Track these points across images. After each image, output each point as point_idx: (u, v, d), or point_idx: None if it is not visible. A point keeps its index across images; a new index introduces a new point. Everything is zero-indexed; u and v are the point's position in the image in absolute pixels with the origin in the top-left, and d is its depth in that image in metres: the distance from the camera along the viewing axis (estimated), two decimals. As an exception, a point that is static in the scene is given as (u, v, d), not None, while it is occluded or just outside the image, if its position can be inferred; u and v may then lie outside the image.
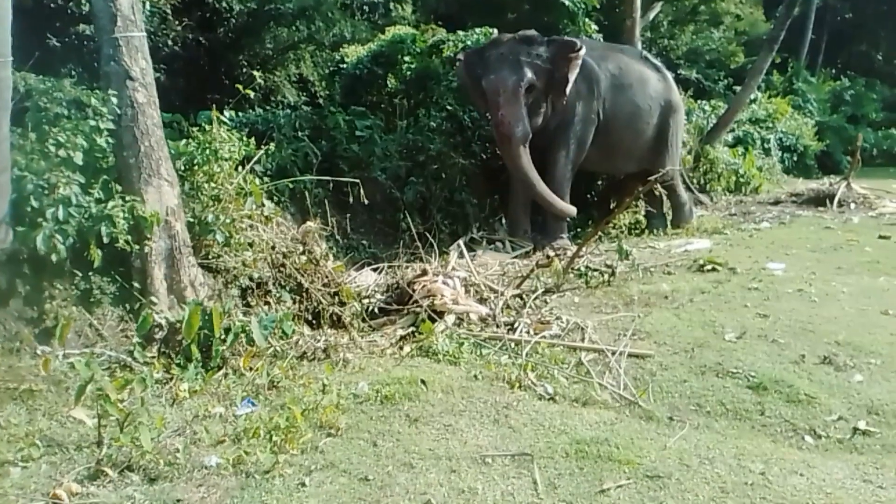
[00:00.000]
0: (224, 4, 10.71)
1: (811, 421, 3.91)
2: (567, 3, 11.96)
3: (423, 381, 4.18)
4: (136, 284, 4.63)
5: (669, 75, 9.44)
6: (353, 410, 3.89)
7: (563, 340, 5.04)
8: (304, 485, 3.16)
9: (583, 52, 7.72)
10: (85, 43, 8.28)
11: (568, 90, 7.69)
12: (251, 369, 4.33)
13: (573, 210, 7.86)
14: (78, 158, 4.43)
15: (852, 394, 4.18)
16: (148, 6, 8.78)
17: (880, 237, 8.48)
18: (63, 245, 4.21)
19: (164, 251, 4.72)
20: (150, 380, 3.92)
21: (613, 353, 4.69)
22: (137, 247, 4.58)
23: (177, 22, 9.93)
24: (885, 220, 9.80)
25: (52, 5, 8.21)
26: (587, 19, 12.44)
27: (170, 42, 9.72)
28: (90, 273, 4.47)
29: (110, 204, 4.43)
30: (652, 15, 14.10)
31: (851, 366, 4.53)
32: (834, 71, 23.00)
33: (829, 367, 4.53)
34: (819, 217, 10.31)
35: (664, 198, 8.82)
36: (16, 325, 4.19)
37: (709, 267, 6.84)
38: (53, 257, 4.18)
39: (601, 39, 12.05)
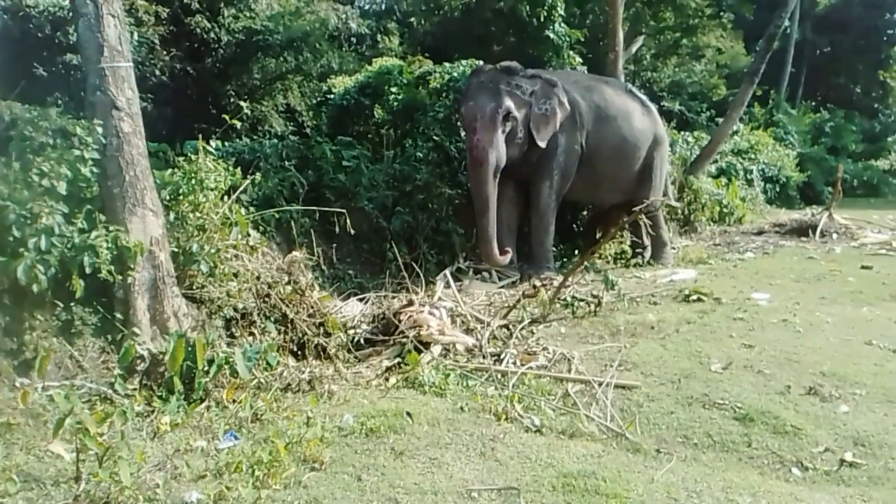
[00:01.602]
0: (212, 35, 10.79)
1: (798, 453, 3.91)
2: (552, 36, 12.17)
3: (408, 414, 4.14)
4: (118, 315, 4.57)
5: (654, 108, 9.56)
6: (337, 444, 3.84)
7: (549, 371, 5.01)
8: (286, 521, 3.10)
9: (564, 104, 7.89)
10: (72, 73, 8.29)
11: (549, 133, 7.79)
12: (234, 401, 4.27)
13: (499, 260, 7.68)
14: (62, 188, 4.40)
15: (838, 425, 4.18)
16: (136, 36, 8.83)
17: (862, 267, 8.56)
18: (44, 275, 4.15)
19: (147, 281, 4.67)
20: (130, 413, 3.84)
21: (600, 385, 4.68)
22: (120, 277, 4.53)
23: (165, 52, 9.99)
24: (867, 251, 9.91)
25: (39, 35, 8.24)
26: (571, 52, 12.65)
27: (157, 72, 9.77)
28: (72, 304, 4.41)
29: (94, 234, 4.39)
30: (635, 48, 14.33)
31: (837, 396, 4.54)
32: (814, 103, 23.45)
33: (815, 397, 4.53)
34: (802, 247, 10.41)
35: (648, 229, 8.88)
36: (-6, 357, 4.12)
37: (694, 297, 6.87)
38: (34, 287, 4.13)
39: (585, 71, 12.23)
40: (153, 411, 4.07)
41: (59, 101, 7.59)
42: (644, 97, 9.57)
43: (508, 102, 7.59)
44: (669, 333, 5.79)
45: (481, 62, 9.44)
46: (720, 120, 14.52)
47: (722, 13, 18.46)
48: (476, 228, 7.80)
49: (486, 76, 7.89)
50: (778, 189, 16.28)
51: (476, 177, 7.54)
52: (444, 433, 4.00)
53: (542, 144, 7.85)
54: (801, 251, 10.05)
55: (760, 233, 11.86)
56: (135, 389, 4.25)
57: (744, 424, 4.18)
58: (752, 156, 15.83)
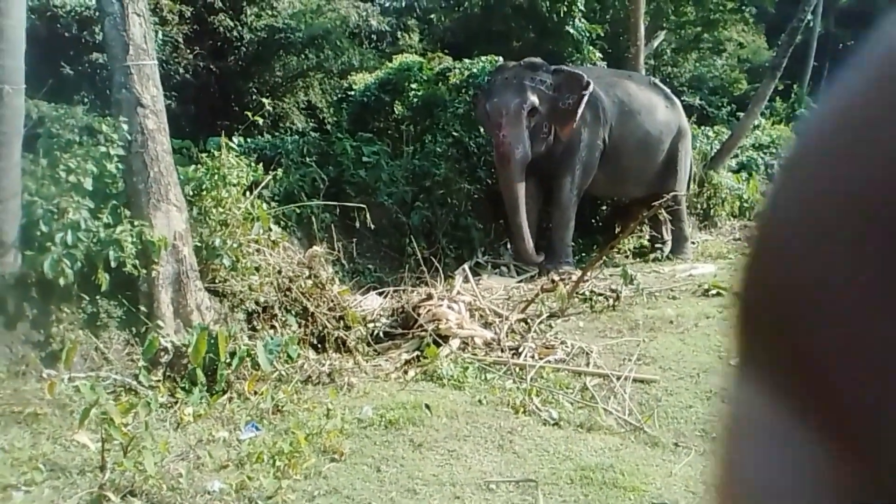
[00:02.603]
0: (235, 33, 10.89)
1: (818, 447, 3.89)
2: (572, 31, 12.12)
3: (427, 406, 4.18)
4: (142, 308, 4.66)
5: (678, 101, 9.50)
6: (357, 435, 3.89)
7: (567, 365, 5.03)
8: (307, 510, 3.15)
9: (591, 88, 7.81)
10: (98, 71, 8.41)
11: (574, 124, 7.77)
12: (256, 393, 4.34)
13: (534, 257, 7.77)
14: (88, 184, 4.49)
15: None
16: (160, 35, 8.94)
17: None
18: (70, 269, 4.24)
19: (171, 275, 4.75)
20: (154, 404, 3.92)
21: (618, 378, 4.68)
22: (145, 271, 4.62)
23: (188, 50, 10.10)
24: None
25: (66, 35, 8.37)
26: (591, 47, 12.58)
27: (181, 70, 9.88)
28: (97, 297, 4.50)
29: (119, 228, 4.48)
30: (656, 43, 14.25)
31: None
32: (838, 98, 23.09)
33: (836, 393, 4.50)
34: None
35: (669, 223, 8.84)
36: (22, 349, 4.22)
37: (713, 292, 6.82)
38: (61, 281, 4.22)
39: (605, 66, 12.16)
40: (176, 402, 4.15)
41: (86, 100, 7.72)
42: (667, 90, 9.51)
43: (533, 97, 7.60)
44: (688, 328, 5.77)
45: (501, 58, 9.45)
46: (741, 114, 14.36)
47: (744, 7, 18.21)
48: (509, 226, 7.85)
49: (509, 73, 7.92)
50: (800, 184, 16.08)
51: (504, 174, 7.57)
52: (462, 426, 4.03)
53: (565, 139, 7.84)
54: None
55: (782, 228, 11.73)
56: (158, 381, 4.34)
57: (763, 419, 4.16)
58: (774, 150, 15.64)
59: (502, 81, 7.83)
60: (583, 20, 12.40)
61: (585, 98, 7.76)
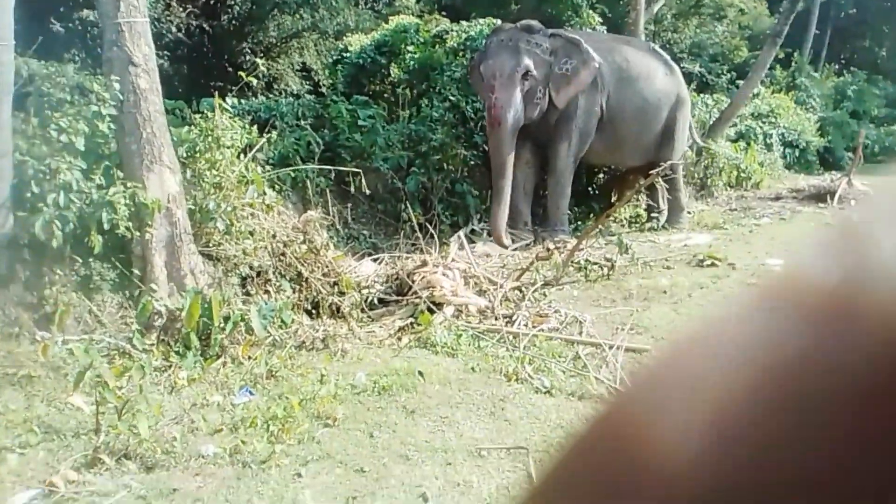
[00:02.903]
0: (228, -10, 10.69)
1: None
2: (571, -6, 11.94)
3: (420, 373, 4.20)
4: (136, 271, 4.64)
5: (677, 68, 9.40)
6: (350, 401, 3.91)
7: (560, 334, 5.05)
8: (300, 475, 3.18)
9: (595, 65, 7.73)
10: (88, 29, 8.27)
11: (569, 94, 7.69)
12: (249, 358, 4.35)
13: (502, 237, 7.51)
14: (80, 144, 4.43)
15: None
16: (151, -9, 8.76)
17: (880, 235, 8.45)
18: (62, 231, 4.21)
19: (164, 238, 4.72)
20: (148, 367, 3.93)
21: (611, 348, 4.70)
22: (138, 233, 4.59)
23: (181, 9, 9.92)
24: (886, 218, 9.78)
25: (54, -11, 8.20)
26: (591, 11, 12.41)
27: (174, 29, 9.72)
28: (90, 259, 4.48)
29: (111, 190, 4.43)
30: (656, 8, 14.01)
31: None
32: (837, 67, 22.92)
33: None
34: (820, 213, 10.30)
35: (665, 192, 8.82)
36: (15, 311, 4.21)
37: (708, 262, 6.84)
38: (53, 243, 4.19)
39: (605, 31, 12.01)
40: (170, 366, 4.16)
41: (77, 58, 7.59)
42: (667, 56, 9.40)
43: (527, 61, 7.51)
44: (682, 298, 5.79)
45: (499, 21, 9.30)
46: (741, 82, 14.25)
47: (746, -28, 17.99)
48: (491, 189, 7.78)
49: (505, 35, 7.80)
50: (797, 154, 16.03)
51: (494, 137, 7.50)
52: (455, 392, 4.06)
53: (560, 105, 7.77)
54: (819, 217, 9.94)
55: (778, 198, 11.73)
56: (152, 345, 4.34)
57: (754, 390, 4.20)
58: (773, 120, 15.56)
59: (497, 44, 7.72)
60: (583, -17, 12.20)
61: (591, 73, 7.68)
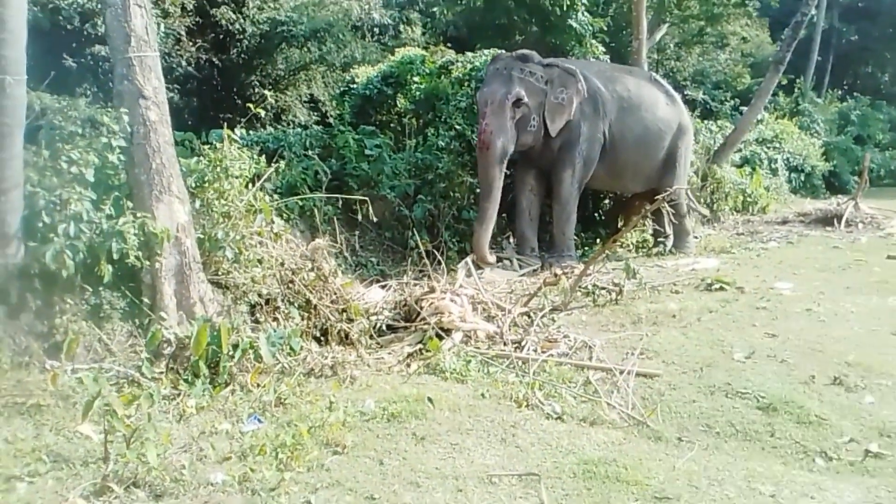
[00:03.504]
0: (237, 26, 10.87)
1: (822, 443, 3.88)
2: (575, 25, 12.08)
3: (430, 399, 4.17)
4: (145, 300, 4.65)
5: (678, 97, 9.48)
6: (359, 428, 3.88)
7: (570, 359, 5.02)
8: (309, 503, 3.15)
9: (581, 92, 7.81)
10: (100, 63, 8.41)
11: (563, 122, 7.78)
12: (258, 386, 4.33)
13: (485, 254, 7.51)
14: (90, 175, 4.47)
15: (864, 415, 4.15)
16: (163, 28, 8.92)
17: (888, 257, 8.43)
18: (73, 261, 4.23)
19: (174, 267, 4.74)
20: (157, 395, 3.92)
21: (621, 373, 4.67)
22: (148, 263, 4.60)
23: (191, 43, 10.09)
24: (894, 241, 9.75)
25: (68, 27, 8.35)
26: (594, 41, 12.55)
27: (184, 62, 9.87)
28: (100, 288, 4.49)
29: (121, 220, 4.46)
30: (658, 37, 14.20)
31: (862, 387, 4.50)
32: (840, 92, 23.05)
33: (840, 388, 4.49)
34: (827, 237, 10.28)
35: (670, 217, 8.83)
36: (25, 340, 4.21)
37: (717, 286, 6.82)
38: (63, 272, 4.21)
39: (608, 61, 12.13)
40: (179, 394, 4.15)
41: (88, 92, 7.71)
42: (668, 86, 9.50)
43: (518, 89, 7.66)
44: (691, 322, 5.77)
45: (503, 51, 9.44)
46: (744, 109, 14.33)
47: (747, 1, 18.18)
48: (478, 211, 7.83)
49: (501, 63, 8.02)
50: (803, 178, 16.06)
51: (482, 160, 7.64)
52: (465, 419, 4.03)
53: (554, 133, 7.85)
54: (826, 241, 9.92)
55: (784, 222, 11.72)
56: (161, 373, 4.33)
57: (767, 414, 4.15)
58: (777, 145, 15.62)
59: (493, 72, 7.96)
60: (585, 14, 12.37)
61: (576, 90, 7.77)
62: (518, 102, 7.63)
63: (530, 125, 7.80)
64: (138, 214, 4.57)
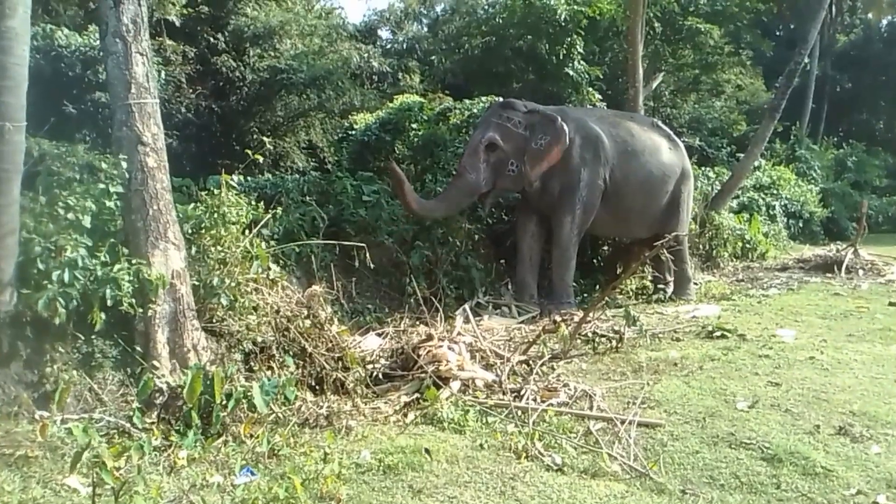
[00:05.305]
0: (237, 74, 11.03)
1: (829, 495, 3.77)
2: (571, 73, 12.27)
3: (427, 451, 4.08)
4: (138, 348, 4.58)
5: (681, 143, 9.55)
6: (354, 481, 3.78)
7: (570, 408, 4.93)
8: (302, 560, 3.04)
9: (563, 138, 7.88)
10: (100, 110, 8.46)
11: (543, 167, 7.86)
12: (252, 436, 4.23)
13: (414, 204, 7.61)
14: (86, 221, 4.47)
15: (870, 466, 4.05)
16: (163, 75, 9.02)
17: (890, 304, 8.39)
18: (65, 308, 4.18)
19: (168, 314, 4.69)
20: (148, 447, 3.82)
21: (623, 422, 4.58)
22: (141, 310, 4.56)
23: (191, 90, 10.21)
24: (895, 287, 9.72)
25: (69, 74, 8.44)
26: (590, 88, 12.71)
27: (183, 109, 9.97)
28: (92, 336, 4.44)
29: (116, 267, 4.43)
30: (654, 84, 14.37)
31: (868, 437, 4.40)
32: (836, 139, 23.30)
33: (846, 438, 4.40)
34: (827, 283, 10.24)
35: (671, 264, 8.80)
36: (15, 389, 4.14)
37: (718, 333, 6.76)
38: (56, 320, 4.16)
39: (605, 108, 12.26)
40: (170, 445, 4.05)
41: (87, 138, 7.74)
42: (671, 132, 9.56)
43: (492, 133, 7.89)
44: (693, 370, 5.69)
45: (500, 99, 9.56)
46: (741, 155, 14.46)
47: (741, 50, 18.50)
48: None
49: (487, 111, 8.41)
50: (801, 224, 16.12)
51: (451, 185, 8.04)
52: (463, 471, 3.93)
53: (532, 180, 7.90)
54: (827, 287, 9.88)
55: (784, 269, 11.71)
56: (153, 423, 4.24)
57: (772, 465, 4.05)
58: (775, 191, 15.72)
59: (481, 119, 8.37)
60: (582, 62, 12.57)
61: (562, 150, 7.89)
62: (492, 146, 7.84)
63: (509, 169, 7.91)
64: (133, 261, 4.55)
